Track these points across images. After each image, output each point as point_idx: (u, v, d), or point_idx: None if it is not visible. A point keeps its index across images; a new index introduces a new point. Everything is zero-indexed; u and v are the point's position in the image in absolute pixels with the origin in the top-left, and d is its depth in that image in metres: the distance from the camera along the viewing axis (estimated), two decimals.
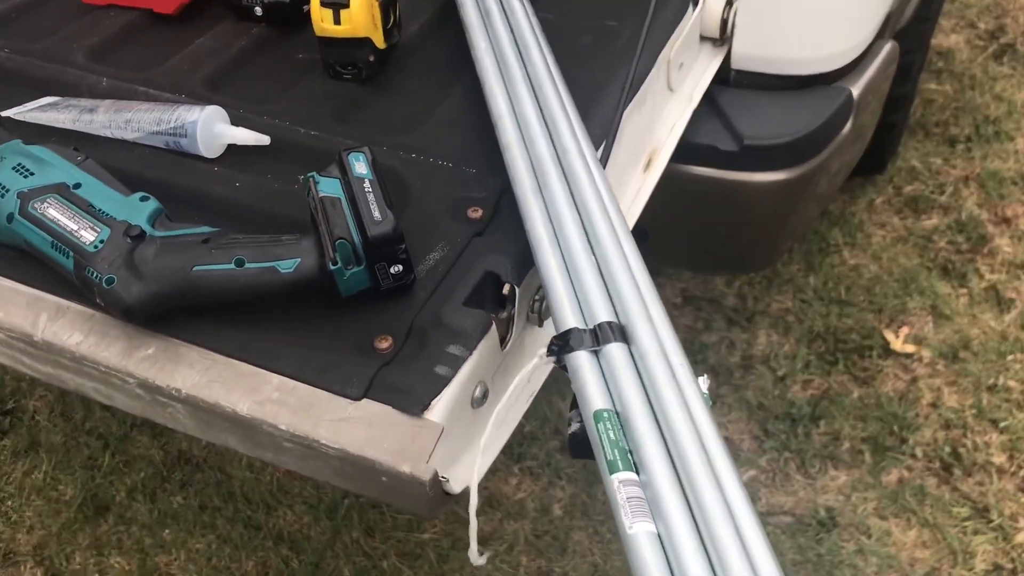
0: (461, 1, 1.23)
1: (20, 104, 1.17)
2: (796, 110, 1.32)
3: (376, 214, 0.88)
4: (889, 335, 1.92)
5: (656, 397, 0.76)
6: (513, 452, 1.79)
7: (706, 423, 0.75)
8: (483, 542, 1.68)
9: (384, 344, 0.87)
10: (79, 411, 1.93)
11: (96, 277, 0.88)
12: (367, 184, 0.91)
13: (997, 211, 2.16)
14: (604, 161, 1.04)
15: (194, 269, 0.88)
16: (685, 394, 0.77)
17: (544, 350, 0.83)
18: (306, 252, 0.89)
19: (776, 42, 1.32)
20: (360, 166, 0.93)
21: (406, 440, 0.80)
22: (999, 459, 1.73)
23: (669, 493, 0.68)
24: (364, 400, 0.83)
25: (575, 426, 0.80)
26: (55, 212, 0.93)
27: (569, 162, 0.98)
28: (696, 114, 1.25)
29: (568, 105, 1.06)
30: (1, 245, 0.98)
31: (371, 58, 1.18)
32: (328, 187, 0.91)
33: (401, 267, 0.89)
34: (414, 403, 0.82)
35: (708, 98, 1.29)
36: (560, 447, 1.80)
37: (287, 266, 0.88)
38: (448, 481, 0.80)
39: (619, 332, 0.82)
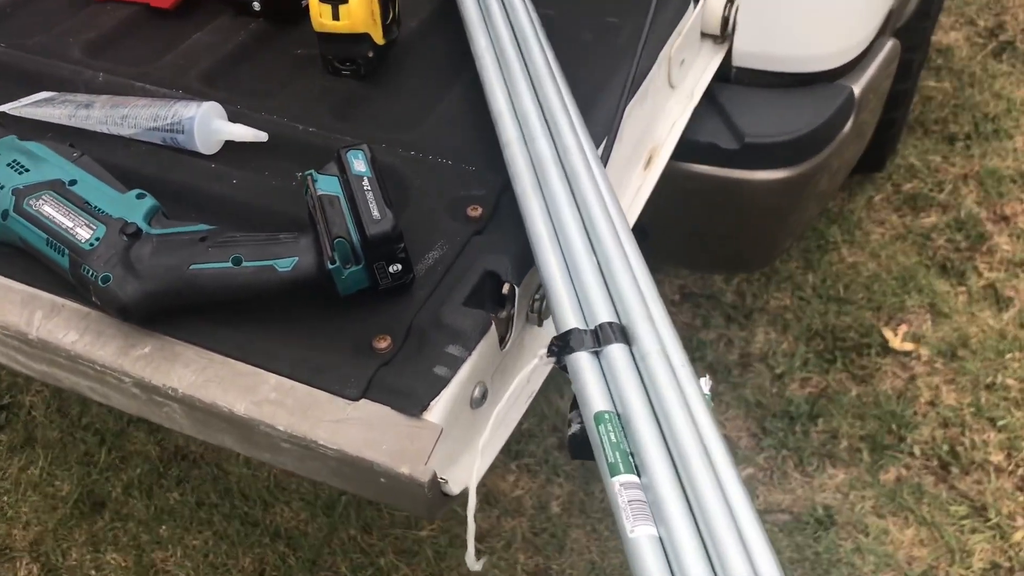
0: None
1: (15, 99, 1.16)
2: (797, 108, 1.32)
3: (375, 213, 0.88)
4: (887, 333, 1.92)
5: (657, 399, 0.75)
6: (511, 449, 1.79)
7: (708, 425, 0.75)
8: (480, 539, 1.67)
9: (383, 344, 0.86)
10: (75, 407, 1.92)
11: (92, 275, 0.87)
12: (366, 182, 0.90)
13: (996, 209, 2.16)
14: (605, 159, 1.03)
15: (191, 267, 0.88)
16: (687, 396, 0.76)
17: (544, 351, 0.83)
18: (304, 251, 0.88)
19: (777, 39, 1.32)
20: (359, 164, 0.92)
21: (405, 441, 0.79)
22: (997, 458, 1.73)
23: (671, 496, 0.68)
24: (362, 400, 0.82)
25: (575, 427, 0.80)
26: (50, 209, 0.92)
27: (569, 160, 0.98)
28: (697, 112, 1.24)
29: (569, 102, 1.05)
30: None
31: (370, 54, 1.17)
32: (326, 185, 0.91)
33: (400, 266, 0.89)
34: (413, 404, 0.81)
35: (709, 96, 1.28)
36: (558, 444, 1.80)
37: (285, 265, 0.87)
38: (447, 482, 0.79)
39: (620, 333, 0.81)
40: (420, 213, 0.99)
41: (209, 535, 1.71)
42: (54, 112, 1.13)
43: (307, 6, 1.16)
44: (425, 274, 0.93)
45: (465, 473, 0.82)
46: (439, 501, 0.79)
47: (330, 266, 0.86)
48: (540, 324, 0.96)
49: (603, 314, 0.83)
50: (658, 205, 1.15)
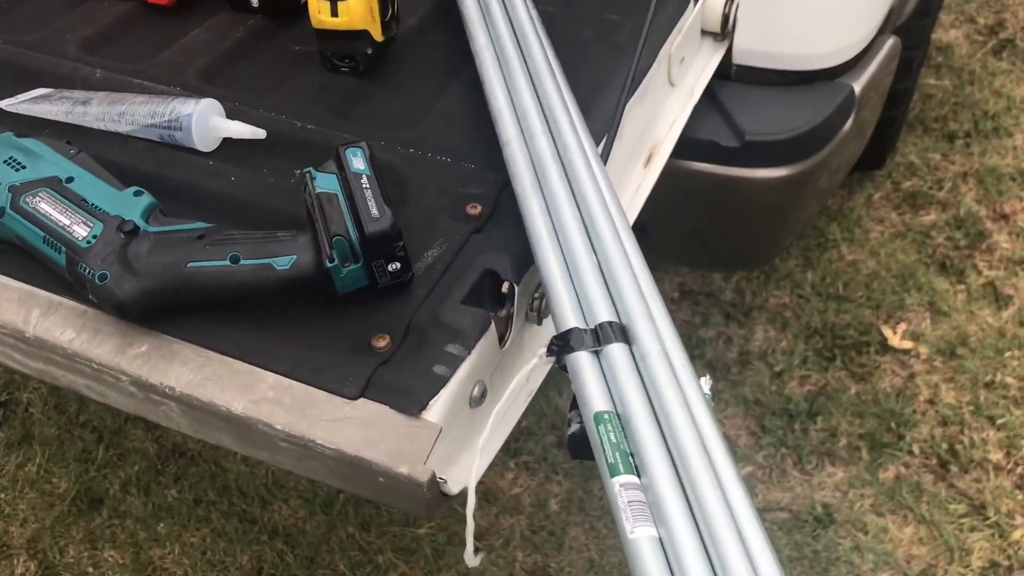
0: None
1: (12, 95, 1.15)
2: (798, 106, 1.31)
3: (374, 211, 0.87)
4: (887, 331, 1.92)
5: (658, 399, 0.75)
6: (509, 447, 1.78)
7: (708, 425, 0.74)
8: (479, 537, 1.67)
9: (381, 343, 0.86)
10: (73, 404, 1.92)
11: (89, 273, 0.87)
12: (364, 180, 0.90)
13: (995, 207, 2.16)
14: (605, 157, 1.03)
15: (188, 265, 0.87)
16: (687, 395, 0.76)
17: (544, 350, 0.82)
18: (302, 249, 0.88)
19: (778, 37, 1.31)
20: (358, 162, 0.91)
21: (403, 441, 0.79)
22: (996, 456, 1.73)
23: (671, 497, 0.68)
24: (361, 400, 0.82)
25: (575, 427, 0.80)
26: (47, 206, 0.92)
27: (569, 158, 0.97)
28: (697, 110, 1.24)
29: (568, 100, 1.05)
30: None
31: (369, 51, 1.17)
32: (325, 183, 0.90)
33: (399, 265, 0.88)
34: (412, 403, 0.81)
35: (709, 93, 1.28)
36: (557, 442, 1.79)
37: (283, 263, 0.87)
38: (446, 482, 0.79)
39: (620, 332, 0.81)
40: (419, 211, 0.99)
41: (207, 532, 1.70)
42: (51, 108, 1.13)
43: (306, 2, 1.15)
44: (424, 272, 0.92)
45: (464, 472, 0.81)
46: (438, 501, 0.79)
47: (328, 264, 0.86)
48: (539, 323, 0.96)
49: (603, 313, 0.82)
50: (658, 203, 1.15)
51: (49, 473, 1.81)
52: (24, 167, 0.95)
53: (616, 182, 1.03)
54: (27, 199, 0.92)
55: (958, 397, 1.81)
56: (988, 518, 1.64)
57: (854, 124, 1.38)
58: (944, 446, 1.74)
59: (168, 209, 0.95)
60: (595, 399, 0.76)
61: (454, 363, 0.83)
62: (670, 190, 1.18)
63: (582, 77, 1.12)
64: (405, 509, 0.82)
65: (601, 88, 1.12)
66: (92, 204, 0.92)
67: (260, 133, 1.08)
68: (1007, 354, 1.87)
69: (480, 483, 0.79)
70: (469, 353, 0.84)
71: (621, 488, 0.69)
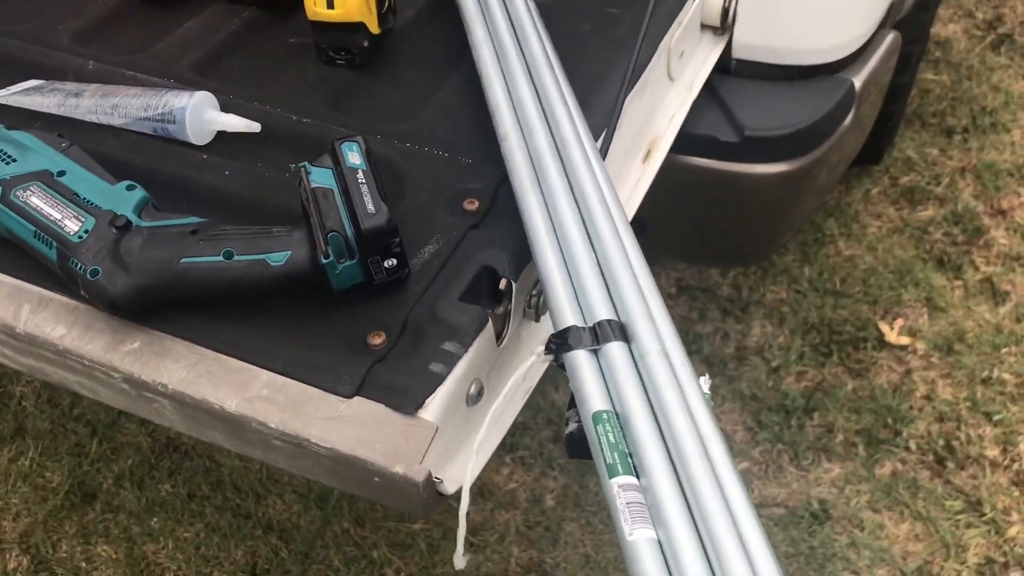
0: None
1: (3, 87, 1.13)
2: (798, 101, 1.30)
3: (370, 206, 0.86)
4: (884, 327, 1.91)
5: (657, 398, 0.74)
6: (505, 442, 1.77)
7: (708, 425, 0.74)
8: (474, 532, 1.67)
9: (377, 340, 0.85)
10: (66, 397, 1.91)
11: (80, 268, 0.86)
12: (360, 175, 0.89)
13: (993, 203, 2.15)
14: (604, 152, 1.02)
15: (181, 261, 0.86)
16: (686, 395, 0.75)
17: (542, 348, 0.82)
18: (297, 245, 0.87)
19: (778, 31, 1.30)
20: (353, 156, 0.90)
21: (399, 440, 0.78)
22: (992, 452, 1.72)
23: (670, 498, 0.67)
24: (356, 398, 0.81)
25: (573, 426, 0.79)
26: (38, 200, 0.90)
27: (568, 153, 0.96)
28: (696, 104, 1.23)
29: (567, 94, 1.04)
30: None
31: (365, 43, 1.15)
32: (320, 177, 0.89)
33: (395, 261, 0.87)
34: (408, 401, 0.80)
35: (708, 88, 1.27)
36: (553, 437, 1.79)
37: (277, 259, 0.86)
38: (442, 482, 0.78)
39: (619, 331, 0.80)
40: (416, 206, 0.98)
41: (201, 527, 1.70)
42: (43, 101, 1.11)
43: None
44: (420, 269, 0.91)
45: (460, 471, 0.81)
46: (434, 500, 0.78)
47: (324, 260, 0.85)
48: (537, 320, 0.95)
49: (602, 311, 0.81)
50: (657, 198, 1.14)
51: (42, 467, 1.80)
52: (15, 160, 0.94)
53: (615, 177, 1.02)
54: (18, 193, 0.91)
55: (955, 393, 1.81)
56: (984, 515, 1.64)
57: (854, 119, 1.37)
58: (941, 442, 1.74)
59: (161, 203, 0.94)
60: (593, 398, 0.75)
61: (451, 361, 0.82)
62: (669, 185, 1.17)
63: (581, 71, 1.11)
64: (401, 509, 0.81)
65: (600, 82, 1.11)
66: (84, 198, 0.91)
67: (255, 126, 1.07)
68: (1004, 350, 1.86)
69: (476, 479, 0.79)
70: (466, 351, 0.83)
71: (620, 489, 0.68)
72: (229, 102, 1.09)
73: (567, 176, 0.94)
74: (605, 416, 0.74)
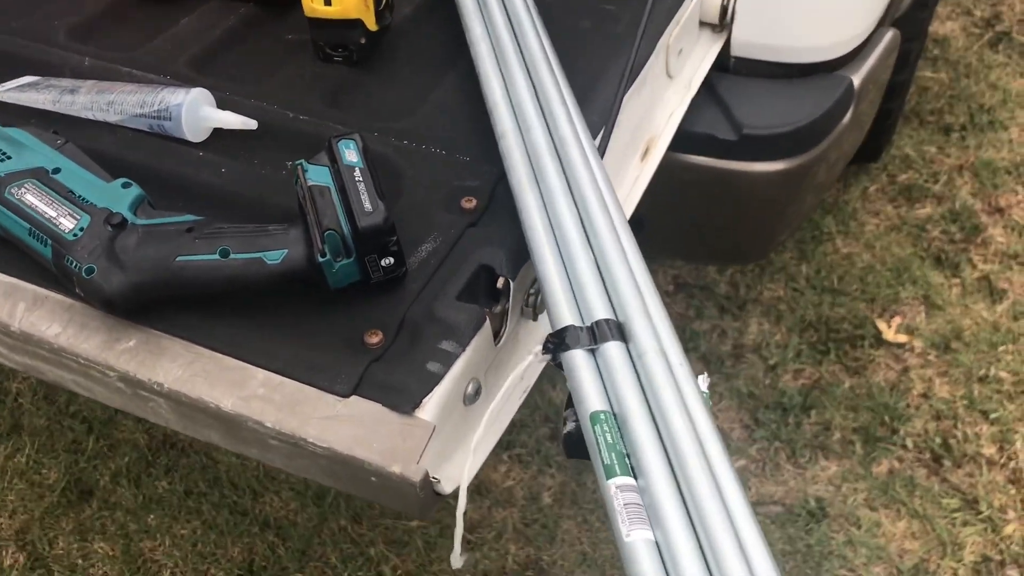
0: None
1: None
2: (796, 99, 1.30)
3: (367, 204, 0.86)
4: (881, 325, 1.91)
5: (655, 398, 0.74)
6: (502, 440, 1.76)
7: (706, 425, 0.74)
8: (471, 530, 1.67)
9: (374, 339, 0.85)
10: (63, 394, 1.90)
11: (75, 266, 0.85)
12: (357, 173, 0.88)
13: (991, 201, 2.15)
14: (602, 150, 1.02)
15: (177, 259, 0.86)
16: (684, 395, 0.75)
17: (539, 348, 0.81)
18: (294, 243, 0.86)
19: (777, 29, 1.30)
20: (350, 154, 0.90)
21: (396, 439, 0.78)
22: (989, 450, 1.73)
23: (668, 500, 0.67)
24: (353, 397, 0.81)
25: (570, 425, 0.79)
26: (33, 198, 0.90)
27: (566, 151, 0.96)
28: (695, 102, 1.22)
29: (565, 91, 1.03)
30: None
31: (362, 40, 1.15)
32: (317, 175, 0.89)
33: (392, 259, 0.87)
34: (405, 401, 0.80)
35: (707, 85, 1.26)
36: (550, 434, 1.79)
37: (274, 257, 0.86)
38: (439, 482, 0.78)
39: (617, 330, 0.80)
40: (413, 204, 0.98)
41: (198, 524, 1.69)
42: (38, 97, 1.11)
43: None
44: (418, 267, 0.91)
45: (458, 471, 0.80)
46: (431, 500, 0.78)
47: (320, 259, 0.84)
48: (535, 318, 0.94)
49: (599, 311, 0.81)
50: (655, 197, 1.13)
51: (38, 464, 1.79)
52: (9, 157, 0.94)
53: (613, 175, 1.01)
54: (12, 190, 0.91)
55: (952, 391, 1.81)
56: (981, 512, 1.64)
57: (853, 117, 1.36)
58: (937, 440, 1.74)
59: (157, 201, 0.93)
60: (591, 398, 0.75)
61: (448, 360, 0.82)
62: (667, 183, 1.17)
63: (579, 68, 1.10)
64: (398, 509, 0.81)
65: (598, 79, 1.10)
66: (79, 196, 0.90)
67: (251, 124, 1.06)
68: (1001, 348, 1.86)
69: (472, 478, 0.78)
70: (463, 350, 0.83)
71: (617, 490, 0.68)
72: (226, 99, 1.09)
73: (565, 174, 0.94)
74: (603, 416, 0.74)
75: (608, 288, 0.84)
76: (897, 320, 1.92)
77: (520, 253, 0.91)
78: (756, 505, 1.65)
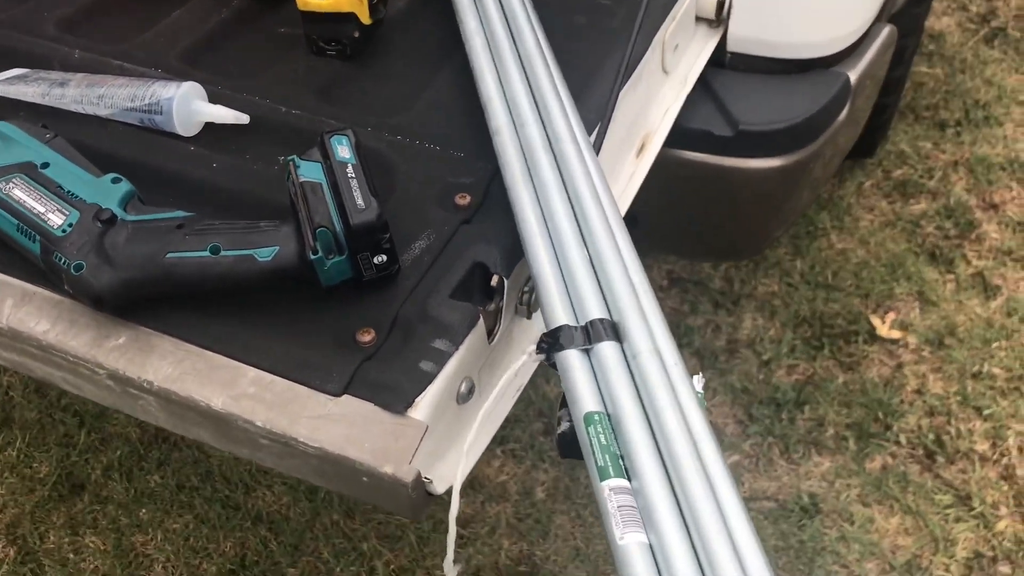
0: None
1: None
2: (793, 95, 1.29)
3: (359, 201, 0.85)
4: (875, 320, 1.91)
5: (649, 399, 0.73)
6: (496, 435, 1.77)
7: (700, 425, 0.73)
8: (464, 525, 1.66)
9: (366, 337, 0.84)
10: (54, 388, 1.89)
11: (64, 263, 0.85)
12: (350, 169, 0.87)
13: (985, 197, 2.15)
14: (597, 146, 1.01)
15: (167, 256, 0.85)
16: (679, 395, 0.74)
17: (533, 347, 0.81)
18: (285, 240, 0.85)
19: (774, 24, 1.29)
20: (343, 150, 0.89)
21: (388, 439, 0.77)
22: (982, 447, 1.73)
23: (662, 502, 0.66)
24: (345, 396, 0.80)
25: (564, 425, 0.78)
26: (21, 193, 0.89)
27: (561, 147, 0.95)
28: (690, 98, 1.22)
29: (560, 87, 1.03)
30: None
31: (356, 34, 1.14)
32: (309, 171, 0.88)
33: (385, 257, 0.86)
34: (397, 400, 0.79)
35: (703, 81, 1.26)
36: (544, 430, 1.78)
37: (265, 254, 0.85)
38: (432, 482, 0.77)
39: (611, 330, 0.79)
40: (406, 201, 0.97)
41: (190, 519, 1.69)
42: (27, 90, 1.09)
43: None
44: (411, 265, 0.90)
45: (450, 470, 0.80)
46: (423, 501, 0.78)
47: (312, 256, 0.84)
48: (529, 317, 0.94)
49: (594, 310, 0.81)
50: (650, 193, 1.13)
51: (29, 457, 1.79)
52: None
53: (608, 172, 1.01)
54: (0, 185, 0.89)
55: (945, 387, 1.81)
56: (973, 509, 1.64)
57: (849, 113, 1.36)
58: (931, 436, 1.74)
59: (147, 197, 0.92)
60: (585, 399, 0.75)
61: (441, 359, 0.82)
62: (663, 180, 1.16)
63: (574, 64, 1.09)
64: (389, 509, 0.80)
65: (594, 75, 1.10)
66: (68, 191, 0.89)
67: (243, 118, 1.05)
68: (994, 344, 1.87)
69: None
70: (457, 348, 0.82)
71: (611, 492, 0.68)
72: (217, 93, 1.08)
73: (560, 171, 0.93)
74: (597, 417, 0.73)
75: (603, 286, 0.83)
76: (891, 316, 1.92)
77: (514, 250, 0.90)
78: (749, 501, 1.66)
